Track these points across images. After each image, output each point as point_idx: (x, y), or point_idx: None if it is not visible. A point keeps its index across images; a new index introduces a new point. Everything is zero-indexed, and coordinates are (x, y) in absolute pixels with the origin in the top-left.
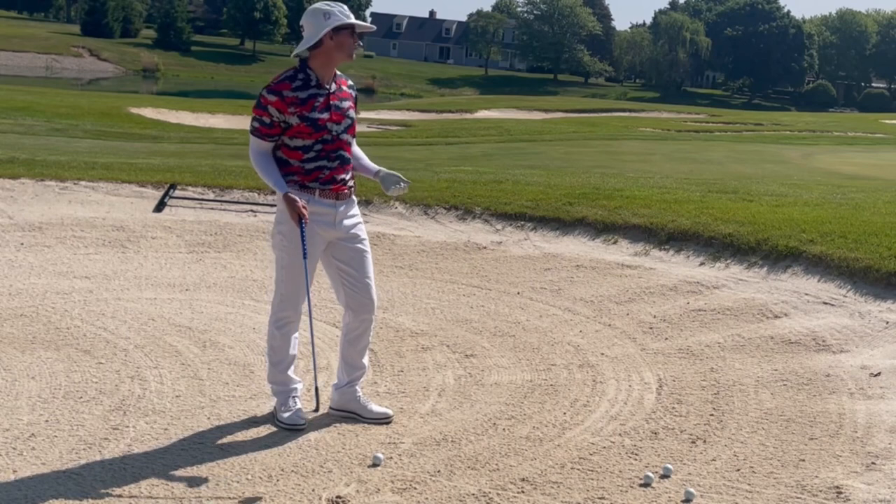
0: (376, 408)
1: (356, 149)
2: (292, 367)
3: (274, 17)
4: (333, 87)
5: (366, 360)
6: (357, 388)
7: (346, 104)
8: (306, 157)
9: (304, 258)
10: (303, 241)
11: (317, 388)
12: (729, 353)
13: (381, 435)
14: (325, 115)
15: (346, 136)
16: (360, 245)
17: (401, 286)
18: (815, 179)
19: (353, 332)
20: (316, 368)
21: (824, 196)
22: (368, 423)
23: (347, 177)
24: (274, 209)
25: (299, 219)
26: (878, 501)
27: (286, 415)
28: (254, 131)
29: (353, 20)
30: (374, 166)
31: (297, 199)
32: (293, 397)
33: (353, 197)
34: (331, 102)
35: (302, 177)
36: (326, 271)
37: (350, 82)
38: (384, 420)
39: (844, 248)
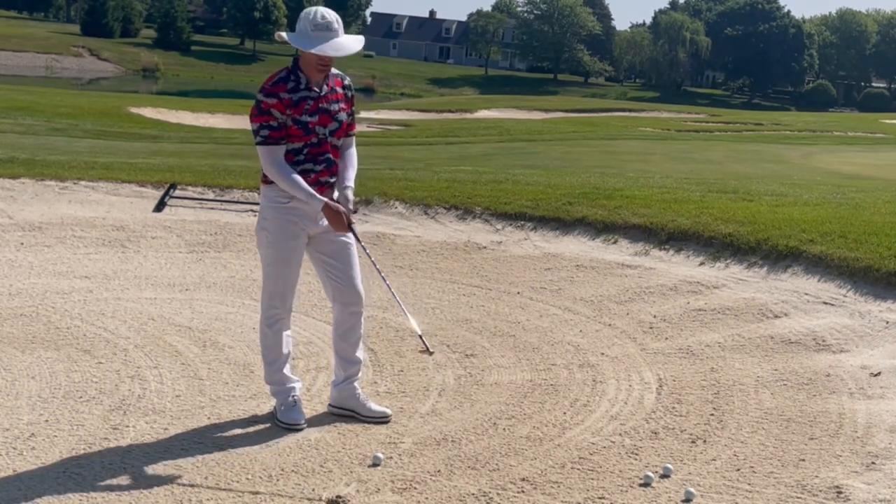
0: (375, 406)
1: (349, 154)
2: (288, 366)
3: (274, 17)
4: (325, 89)
5: (360, 354)
6: (356, 385)
7: (336, 106)
8: (295, 160)
9: (363, 247)
10: (355, 236)
11: (421, 336)
12: (729, 352)
13: (381, 435)
14: (314, 119)
15: (332, 139)
16: (343, 238)
17: (401, 286)
18: (815, 179)
19: (342, 326)
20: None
21: (824, 196)
22: (367, 423)
23: (332, 179)
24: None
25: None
26: (878, 501)
27: (286, 414)
28: (265, 140)
29: (312, 49)
30: (349, 180)
31: (339, 211)
32: (292, 396)
33: (335, 193)
34: (320, 105)
35: None
36: (313, 266)
37: (346, 81)
38: (383, 419)
39: (844, 248)
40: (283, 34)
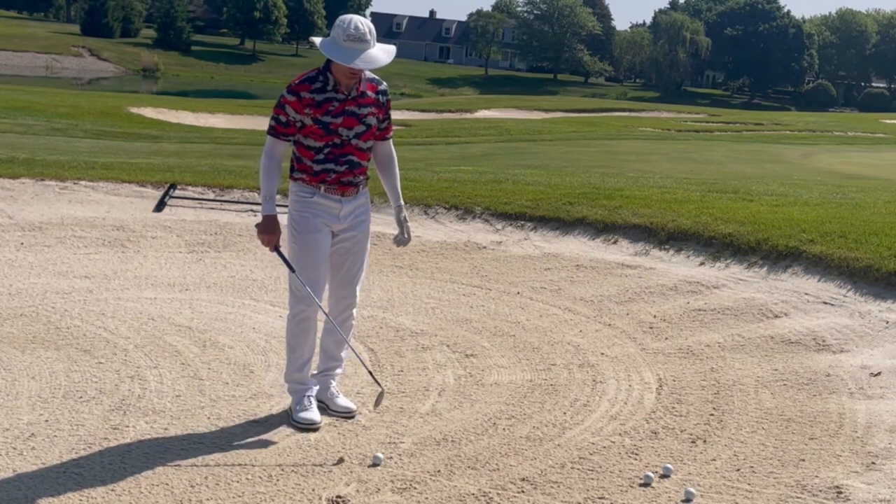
0: (343, 402)
1: (392, 166)
2: (308, 366)
3: (274, 17)
4: (354, 92)
5: (344, 355)
6: (332, 380)
7: (366, 110)
8: (316, 158)
9: (294, 272)
10: (283, 259)
11: (370, 372)
12: (729, 352)
13: (381, 435)
14: (338, 120)
15: (357, 142)
16: (356, 233)
17: (401, 286)
18: (815, 179)
19: (333, 321)
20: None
21: (824, 196)
22: (337, 416)
23: (356, 179)
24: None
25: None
26: (878, 501)
27: (302, 414)
28: (270, 130)
29: (341, 61)
30: (397, 198)
31: (276, 229)
32: (308, 396)
33: (364, 191)
34: (346, 108)
35: (310, 177)
36: None
37: (381, 87)
38: (347, 415)
39: (844, 247)
40: (316, 40)
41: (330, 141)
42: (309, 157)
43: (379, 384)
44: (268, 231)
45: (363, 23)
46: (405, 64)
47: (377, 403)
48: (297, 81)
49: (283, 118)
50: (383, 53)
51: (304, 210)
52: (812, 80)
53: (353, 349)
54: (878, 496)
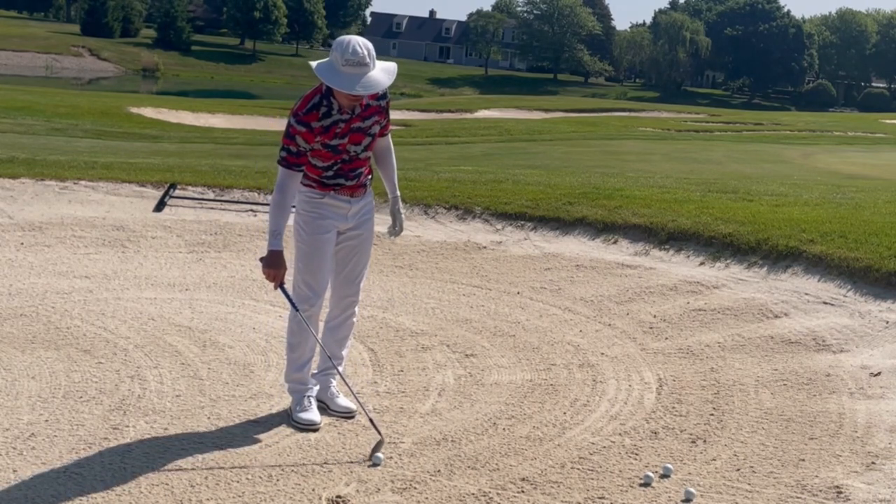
0: (342, 402)
1: (390, 157)
2: (308, 366)
3: (274, 17)
4: (358, 109)
5: (345, 353)
6: (332, 379)
7: (370, 122)
8: (325, 175)
9: (298, 311)
10: (287, 296)
11: (371, 420)
12: (729, 352)
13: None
14: (345, 140)
15: (365, 154)
16: (362, 231)
17: (401, 286)
18: (815, 179)
19: (335, 320)
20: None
21: (824, 196)
22: (337, 416)
23: (364, 181)
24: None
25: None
26: (878, 501)
27: (302, 414)
28: (282, 161)
29: (341, 89)
30: (393, 189)
31: (282, 265)
32: (308, 396)
33: (370, 189)
34: (352, 126)
35: (320, 187)
36: None
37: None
38: (347, 415)
39: (844, 247)
40: (313, 64)
41: (339, 159)
42: (317, 174)
43: (379, 433)
44: (274, 266)
45: (362, 45)
46: (405, 64)
47: (375, 450)
48: (303, 110)
49: (293, 149)
50: (384, 75)
51: (312, 210)
52: (812, 80)
53: (357, 400)
54: (878, 496)
